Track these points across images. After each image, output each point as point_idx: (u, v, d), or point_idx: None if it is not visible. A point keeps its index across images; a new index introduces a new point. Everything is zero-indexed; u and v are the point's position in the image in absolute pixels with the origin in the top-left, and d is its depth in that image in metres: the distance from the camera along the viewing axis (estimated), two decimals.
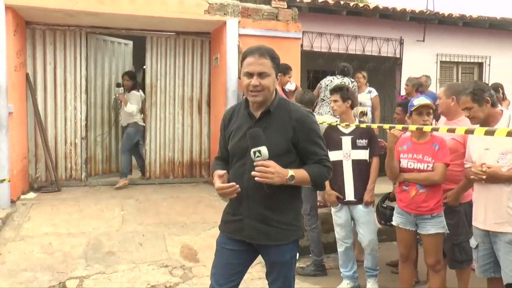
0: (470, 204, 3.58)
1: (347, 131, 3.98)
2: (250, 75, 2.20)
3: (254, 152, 2.10)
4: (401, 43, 7.96)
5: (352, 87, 6.84)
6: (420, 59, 8.04)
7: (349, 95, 3.95)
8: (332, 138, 4.01)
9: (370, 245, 4.02)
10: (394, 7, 7.40)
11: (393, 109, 7.96)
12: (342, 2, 7.07)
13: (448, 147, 3.48)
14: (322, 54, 7.49)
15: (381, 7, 7.30)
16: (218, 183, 2.24)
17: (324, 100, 6.17)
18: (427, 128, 3.25)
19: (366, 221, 3.99)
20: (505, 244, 2.91)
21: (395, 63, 8.11)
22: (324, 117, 4.98)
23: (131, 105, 6.47)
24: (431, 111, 3.48)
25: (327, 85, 6.14)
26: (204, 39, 7.04)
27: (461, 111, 3.59)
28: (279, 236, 2.26)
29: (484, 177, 2.88)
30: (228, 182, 2.27)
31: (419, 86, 6.91)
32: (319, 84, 6.47)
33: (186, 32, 6.86)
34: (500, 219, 2.92)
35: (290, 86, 6.19)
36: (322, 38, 7.49)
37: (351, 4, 7.11)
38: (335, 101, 4.02)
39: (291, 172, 2.15)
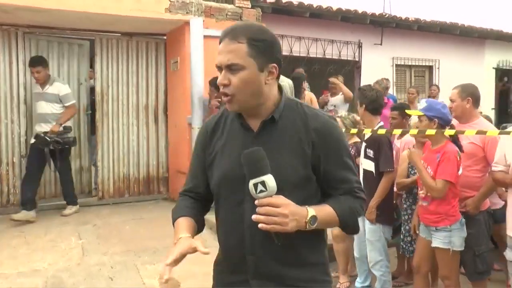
0: (488, 212, 3.40)
1: (366, 137, 3.64)
2: (218, 69, 1.48)
3: (255, 185, 1.35)
4: (360, 46, 7.87)
5: (289, 87, 6.36)
6: (377, 63, 8.01)
7: (361, 98, 3.59)
8: None
9: (376, 268, 3.64)
10: (356, 9, 7.28)
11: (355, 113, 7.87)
12: (306, 4, 6.79)
13: (467, 152, 3.24)
14: (284, 57, 7.10)
15: (343, 9, 7.11)
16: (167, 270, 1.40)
17: None
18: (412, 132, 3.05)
19: (369, 239, 3.63)
20: None
21: (354, 66, 7.99)
22: None
23: None
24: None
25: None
26: (159, 41, 6.40)
27: (477, 114, 3.41)
28: None
29: None
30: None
31: (386, 89, 6.84)
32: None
33: (139, 34, 6.18)
34: None
35: None
36: (283, 40, 7.15)
37: (315, 5, 6.85)
38: None
39: (312, 211, 1.42)
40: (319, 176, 1.51)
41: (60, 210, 5.51)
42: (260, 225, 1.35)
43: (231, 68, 1.44)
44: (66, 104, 5.32)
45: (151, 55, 6.35)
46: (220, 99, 5.33)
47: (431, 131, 3.01)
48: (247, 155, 1.38)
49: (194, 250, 1.42)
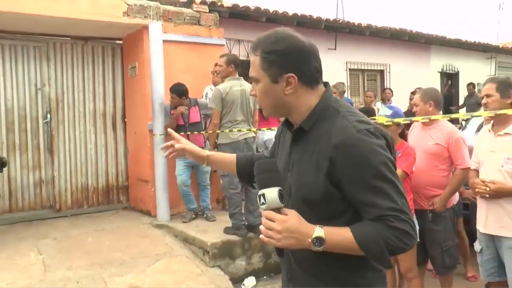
0: (453, 209, 3.58)
1: None
2: None
3: (259, 197, 1.32)
4: None
5: (205, 94, 5.89)
6: (332, 67, 8.18)
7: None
8: None
9: None
10: (311, 14, 7.42)
11: None
12: (262, 8, 6.85)
13: (433, 152, 3.40)
14: (241, 62, 7.09)
15: (299, 14, 7.24)
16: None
17: None
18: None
19: None
20: (507, 249, 2.86)
21: None
22: None
23: None
24: None
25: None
26: (115, 46, 6.21)
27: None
28: None
29: (488, 195, 2.84)
30: None
31: (343, 92, 7.04)
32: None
33: (95, 38, 5.97)
34: (502, 223, 2.87)
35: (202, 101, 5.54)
36: (240, 45, 7.17)
37: (271, 10, 6.92)
38: None
39: (319, 232, 1.29)
40: (347, 196, 1.36)
41: (14, 225, 5.21)
42: (261, 237, 1.33)
43: (253, 80, 1.47)
44: None
45: (108, 60, 6.14)
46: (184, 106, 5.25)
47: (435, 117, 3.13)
48: (259, 166, 1.36)
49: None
